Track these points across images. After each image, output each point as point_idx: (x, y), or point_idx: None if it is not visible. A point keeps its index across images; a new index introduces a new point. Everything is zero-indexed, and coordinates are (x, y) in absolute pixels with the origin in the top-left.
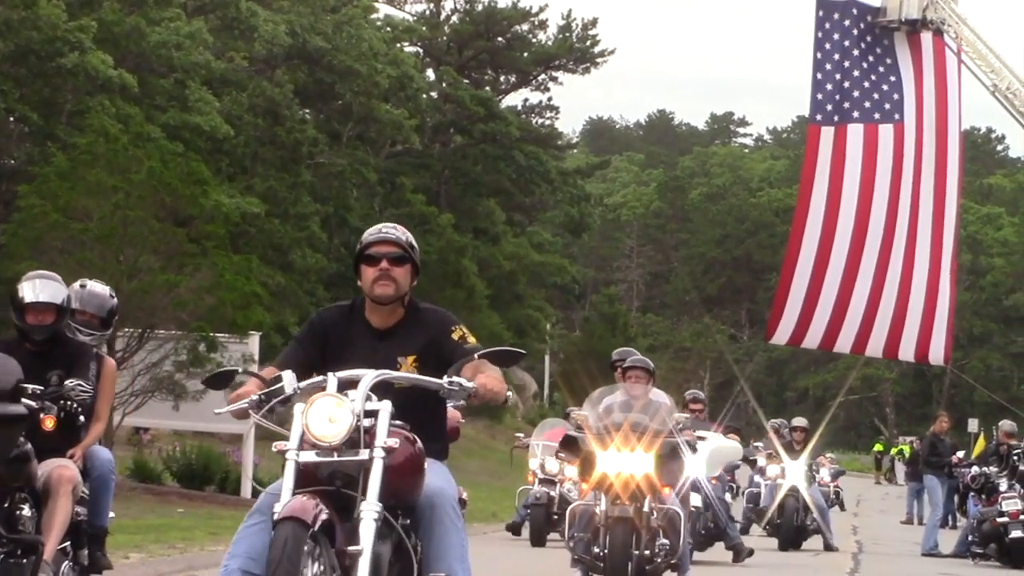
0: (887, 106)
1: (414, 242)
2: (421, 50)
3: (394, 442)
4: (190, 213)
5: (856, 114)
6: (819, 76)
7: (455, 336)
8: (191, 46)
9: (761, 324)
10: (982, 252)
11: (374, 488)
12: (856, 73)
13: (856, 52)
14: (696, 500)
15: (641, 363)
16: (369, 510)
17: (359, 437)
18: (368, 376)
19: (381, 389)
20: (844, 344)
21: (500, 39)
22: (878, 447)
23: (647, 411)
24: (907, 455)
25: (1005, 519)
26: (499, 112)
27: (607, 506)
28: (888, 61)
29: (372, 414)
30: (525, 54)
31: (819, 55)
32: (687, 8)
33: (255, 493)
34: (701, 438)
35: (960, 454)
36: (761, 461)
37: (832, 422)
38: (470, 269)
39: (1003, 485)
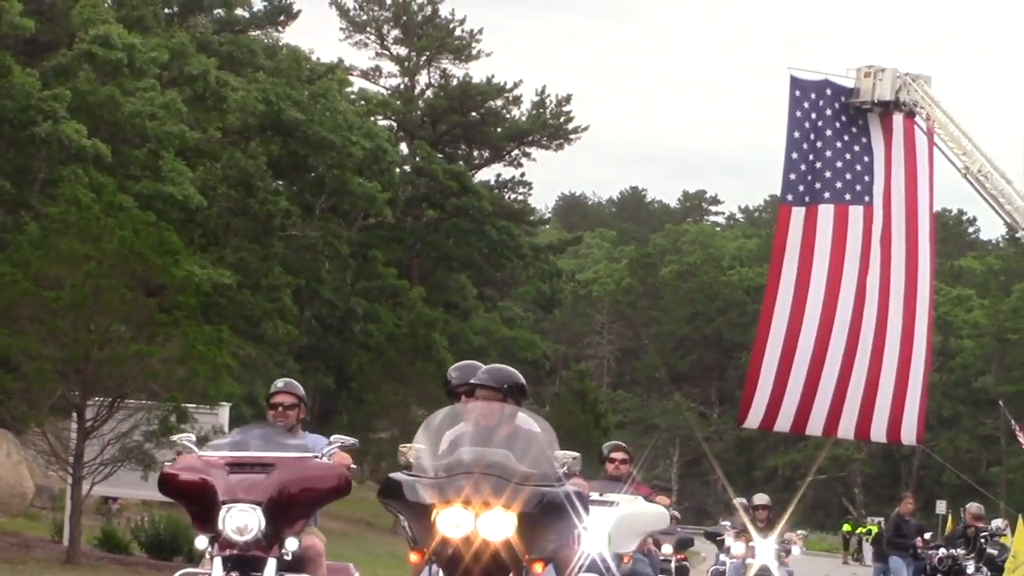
0: (858, 187)
1: None
2: (395, 124)
3: None
4: (162, 283)
5: (827, 195)
6: (794, 156)
7: None
8: (165, 116)
9: (731, 402)
10: (952, 334)
11: None
12: (828, 154)
13: (829, 132)
14: None
15: (493, 379)
16: None
17: None
18: None
19: None
20: (815, 427)
21: (474, 114)
22: (846, 527)
23: (511, 445)
24: (874, 535)
25: None
26: (472, 187)
27: None
28: (861, 142)
29: None
30: (499, 129)
31: (796, 134)
32: (660, 86)
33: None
34: (608, 502)
35: (927, 535)
36: (728, 540)
37: (801, 501)
38: (440, 343)
39: (970, 567)
